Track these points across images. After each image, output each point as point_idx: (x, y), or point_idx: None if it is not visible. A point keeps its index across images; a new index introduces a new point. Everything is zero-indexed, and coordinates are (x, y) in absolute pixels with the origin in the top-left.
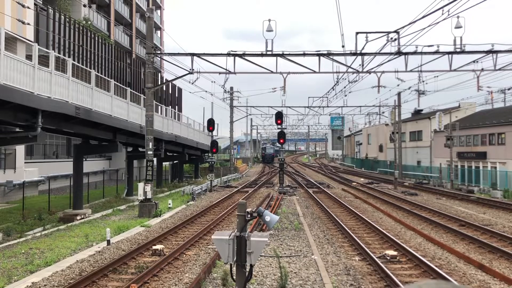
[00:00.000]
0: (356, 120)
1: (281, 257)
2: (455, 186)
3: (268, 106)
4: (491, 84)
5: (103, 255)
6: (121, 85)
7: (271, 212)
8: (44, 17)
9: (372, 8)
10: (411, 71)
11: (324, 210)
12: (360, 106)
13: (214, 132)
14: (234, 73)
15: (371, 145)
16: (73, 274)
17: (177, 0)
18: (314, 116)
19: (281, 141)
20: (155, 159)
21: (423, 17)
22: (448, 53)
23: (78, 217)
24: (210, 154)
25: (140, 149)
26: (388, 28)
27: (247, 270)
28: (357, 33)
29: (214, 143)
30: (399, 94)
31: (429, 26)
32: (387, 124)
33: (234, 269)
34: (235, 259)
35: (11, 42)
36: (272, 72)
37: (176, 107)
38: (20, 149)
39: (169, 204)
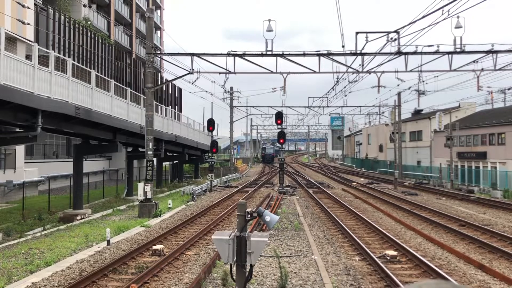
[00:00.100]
0: (356, 120)
1: (281, 257)
2: (455, 186)
3: (268, 106)
4: (491, 84)
5: (103, 255)
6: (121, 85)
7: (271, 212)
8: (44, 17)
9: (372, 8)
10: (411, 71)
11: (324, 210)
12: (360, 106)
13: (214, 132)
14: (234, 73)
15: (371, 145)
16: (73, 274)
17: (177, 0)
18: (314, 116)
19: (281, 141)
20: (155, 159)
21: (423, 17)
22: (448, 53)
23: (78, 217)
24: (210, 154)
25: (140, 149)
26: (388, 28)
27: (247, 270)
28: (357, 33)
29: (214, 143)
30: (399, 94)
31: (429, 26)
32: (387, 124)
33: (234, 269)
34: (235, 259)
35: (11, 42)
36: (272, 72)
37: (176, 107)
38: (20, 149)
39: (169, 204)
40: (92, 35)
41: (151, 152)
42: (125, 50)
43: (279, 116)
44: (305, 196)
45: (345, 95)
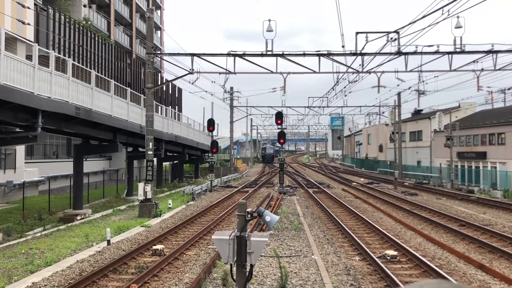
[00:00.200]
0: (356, 120)
1: (281, 257)
2: (455, 186)
3: (268, 106)
4: (491, 84)
5: (103, 255)
6: (121, 85)
7: (271, 212)
8: (44, 17)
9: (372, 8)
10: (411, 71)
11: (324, 210)
12: (360, 106)
13: (214, 132)
14: (234, 73)
15: (371, 145)
16: (73, 274)
17: (177, 0)
18: (314, 116)
19: (281, 141)
20: (155, 159)
21: (423, 17)
22: (448, 53)
23: (78, 217)
24: (210, 154)
25: (140, 149)
26: (388, 28)
27: (247, 270)
28: (357, 33)
29: (214, 143)
30: (399, 94)
31: (429, 26)
32: (387, 124)
33: (234, 269)
34: (235, 259)
35: (11, 42)
36: (272, 72)
37: (176, 107)
38: (20, 149)
39: (169, 204)
40: (92, 35)
41: (151, 152)
42: (125, 50)
43: (279, 116)
44: (305, 196)
45: (345, 95)
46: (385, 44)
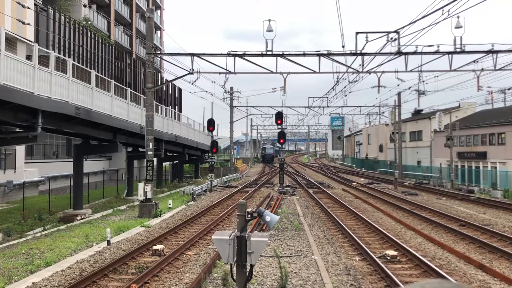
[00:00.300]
0: (356, 120)
1: (281, 257)
2: (455, 186)
3: (268, 106)
4: (491, 84)
5: (103, 255)
6: (121, 85)
7: (271, 212)
8: (44, 17)
9: (372, 8)
10: (411, 71)
11: (324, 210)
12: (360, 106)
13: (214, 132)
14: (234, 73)
15: (371, 145)
16: (74, 274)
17: (177, 0)
18: (314, 116)
19: (281, 141)
20: (155, 159)
21: (423, 17)
22: (448, 53)
23: (78, 217)
24: (210, 154)
25: (140, 149)
26: (388, 28)
27: (248, 270)
28: (357, 33)
29: (214, 143)
30: (399, 94)
31: (429, 26)
32: (387, 124)
33: (234, 269)
34: (235, 259)
35: (11, 42)
36: (272, 72)
37: (176, 107)
38: (20, 149)
39: (169, 204)
40: (92, 35)
41: (151, 152)
42: (125, 50)
43: (279, 116)
44: (305, 196)
45: (345, 95)
46: (385, 44)
